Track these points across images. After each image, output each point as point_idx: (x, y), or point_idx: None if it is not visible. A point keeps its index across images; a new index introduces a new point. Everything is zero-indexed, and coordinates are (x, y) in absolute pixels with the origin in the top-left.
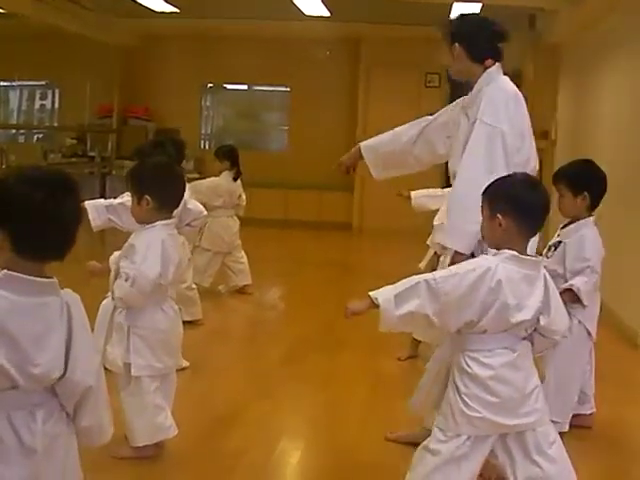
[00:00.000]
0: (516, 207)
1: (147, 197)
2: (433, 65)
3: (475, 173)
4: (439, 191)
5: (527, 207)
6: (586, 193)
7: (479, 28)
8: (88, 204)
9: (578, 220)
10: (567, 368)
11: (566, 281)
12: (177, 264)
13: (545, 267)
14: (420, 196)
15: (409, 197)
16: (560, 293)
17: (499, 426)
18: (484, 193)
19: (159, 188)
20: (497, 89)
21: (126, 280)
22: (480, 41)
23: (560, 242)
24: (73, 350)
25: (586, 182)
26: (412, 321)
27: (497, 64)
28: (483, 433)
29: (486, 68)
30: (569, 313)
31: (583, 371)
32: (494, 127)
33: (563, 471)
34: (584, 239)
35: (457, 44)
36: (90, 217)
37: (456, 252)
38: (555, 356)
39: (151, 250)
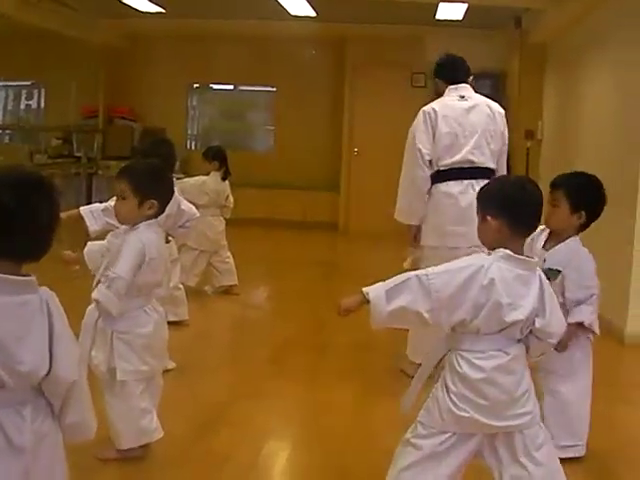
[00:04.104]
0: (506, 208)
1: (153, 201)
2: (419, 65)
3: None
4: None
5: (517, 207)
6: (584, 212)
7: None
8: (84, 210)
9: (562, 237)
10: (583, 381)
11: (566, 310)
12: (157, 263)
13: None
14: None
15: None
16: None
17: (486, 426)
18: (477, 196)
19: (162, 192)
20: None
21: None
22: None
23: (551, 269)
24: (56, 346)
25: (587, 201)
26: (403, 317)
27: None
28: (469, 431)
29: None
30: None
31: None
32: None
33: (550, 475)
34: (582, 264)
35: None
36: (87, 223)
37: None
38: (578, 374)
39: (129, 252)
